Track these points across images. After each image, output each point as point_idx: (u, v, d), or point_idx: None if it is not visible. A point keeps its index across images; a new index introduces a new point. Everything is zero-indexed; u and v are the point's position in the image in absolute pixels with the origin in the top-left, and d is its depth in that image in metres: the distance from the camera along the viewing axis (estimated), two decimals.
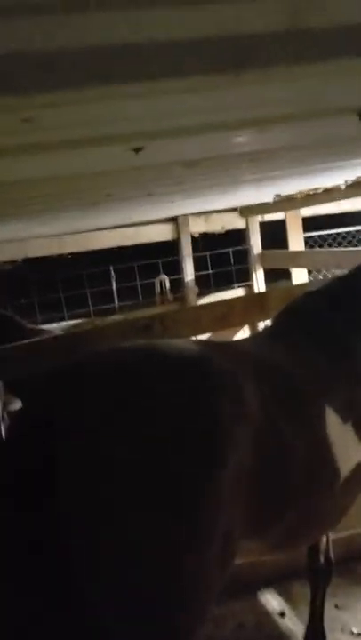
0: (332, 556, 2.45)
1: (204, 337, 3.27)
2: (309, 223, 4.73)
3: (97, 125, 1.00)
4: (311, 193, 3.45)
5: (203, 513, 1.37)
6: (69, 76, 0.72)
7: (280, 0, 0.61)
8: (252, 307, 2.89)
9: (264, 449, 1.58)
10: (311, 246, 5.07)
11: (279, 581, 2.98)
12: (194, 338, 3.33)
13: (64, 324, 4.75)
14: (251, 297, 3.37)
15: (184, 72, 0.74)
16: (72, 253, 4.62)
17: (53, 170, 1.33)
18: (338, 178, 3.07)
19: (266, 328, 2.38)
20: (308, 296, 2.37)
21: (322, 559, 2.43)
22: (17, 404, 3.92)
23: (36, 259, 4.57)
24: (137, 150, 1.29)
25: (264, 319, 2.89)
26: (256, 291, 4.51)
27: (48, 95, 0.78)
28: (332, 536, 2.47)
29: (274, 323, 2.34)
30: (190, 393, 1.45)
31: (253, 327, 3.66)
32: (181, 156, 1.44)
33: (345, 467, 1.88)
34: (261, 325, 3.47)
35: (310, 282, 3.81)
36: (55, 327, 4.57)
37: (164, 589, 1.33)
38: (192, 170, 1.75)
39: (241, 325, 3.63)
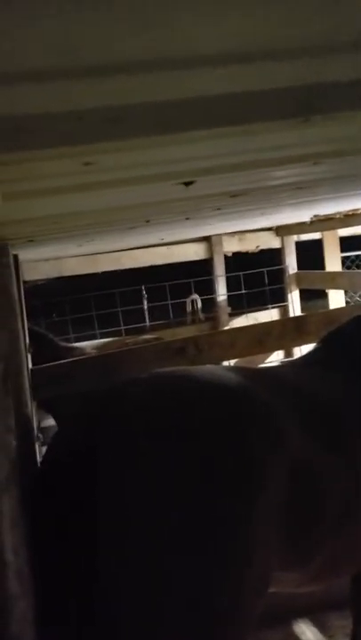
0: None
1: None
2: (347, 243, 4.66)
3: (153, 166, 0.99)
4: (350, 213, 3.40)
5: (237, 550, 1.35)
6: (132, 127, 0.72)
7: (355, 54, 0.59)
8: (289, 331, 2.84)
9: (301, 481, 1.55)
10: (348, 267, 4.99)
11: (315, 612, 2.88)
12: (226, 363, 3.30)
13: (96, 342, 4.78)
14: (288, 321, 3.31)
15: (248, 119, 0.73)
16: (105, 272, 4.67)
17: (104, 203, 1.34)
18: None
19: (308, 353, 2.33)
20: (354, 321, 2.31)
21: None
22: (49, 421, 3.95)
23: (70, 276, 4.62)
24: (187, 184, 1.28)
25: (301, 344, 2.84)
26: (291, 311, 4.45)
27: (110, 143, 0.77)
28: None
29: (316, 348, 2.30)
30: (228, 430, 1.45)
31: (289, 351, 3.60)
32: (230, 187, 1.43)
33: None
34: (297, 350, 3.41)
35: (352, 306, 3.73)
36: (87, 345, 4.60)
37: (200, 624, 1.31)
38: (236, 199, 1.74)
39: (277, 350, 3.58)
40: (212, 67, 0.55)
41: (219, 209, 2.26)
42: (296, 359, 2.57)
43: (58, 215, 1.38)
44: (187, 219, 2.55)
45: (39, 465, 1.67)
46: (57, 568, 1.34)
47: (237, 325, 4.29)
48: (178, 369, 1.76)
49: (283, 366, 2.40)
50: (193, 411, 1.45)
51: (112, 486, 1.31)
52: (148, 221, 2.31)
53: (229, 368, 2.36)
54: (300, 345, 2.98)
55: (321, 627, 2.82)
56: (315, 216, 3.49)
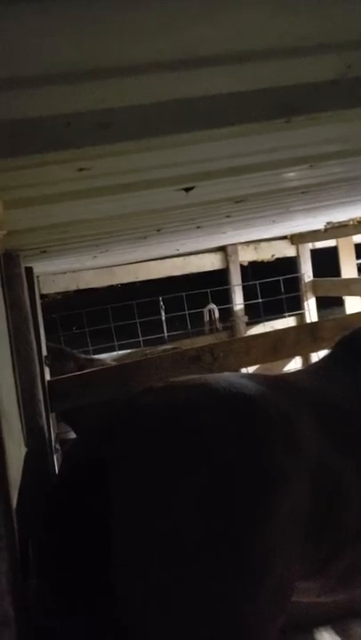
0: None
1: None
2: None
3: (149, 171, 1.02)
4: None
5: (258, 561, 1.33)
6: (124, 131, 0.74)
7: (334, 55, 0.61)
8: (303, 338, 2.83)
9: (321, 490, 1.53)
10: None
11: (337, 621, 2.83)
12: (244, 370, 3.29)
13: (115, 353, 4.82)
14: (302, 327, 3.30)
15: (235, 120, 0.75)
16: (122, 284, 4.72)
17: (106, 210, 1.37)
18: None
19: (323, 359, 2.31)
20: None
21: None
22: (70, 434, 3.99)
23: (88, 289, 4.69)
24: (187, 190, 1.30)
25: (316, 350, 2.82)
26: (308, 319, 4.43)
27: (102, 148, 0.80)
28: None
29: (332, 354, 2.27)
30: (244, 438, 1.43)
31: (306, 358, 3.58)
32: (231, 192, 1.45)
33: None
34: (314, 356, 3.38)
35: None
36: (106, 357, 4.64)
37: (219, 635, 1.29)
38: (241, 204, 1.75)
39: (292, 357, 3.55)
40: (196, 68, 0.58)
41: (228, 216, 2.28)
42: (311, 364, 2.55)
43: (64, 224, 1.41)
44: (198, 227, 2.57)
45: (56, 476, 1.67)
46: (72, 578, 1.35)
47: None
48: (194, 377, 1.75)
49: (298, 372, 2.37)
50: (207, 420, 1.43)
51: (125, 498, 1.31)
52: (159, 230, 2.34)
53: (246, 375, 2.35)
54: (315, 351, 2.95)
55: (343, 634, 2.76)
56: (328, 223, 3.48)
